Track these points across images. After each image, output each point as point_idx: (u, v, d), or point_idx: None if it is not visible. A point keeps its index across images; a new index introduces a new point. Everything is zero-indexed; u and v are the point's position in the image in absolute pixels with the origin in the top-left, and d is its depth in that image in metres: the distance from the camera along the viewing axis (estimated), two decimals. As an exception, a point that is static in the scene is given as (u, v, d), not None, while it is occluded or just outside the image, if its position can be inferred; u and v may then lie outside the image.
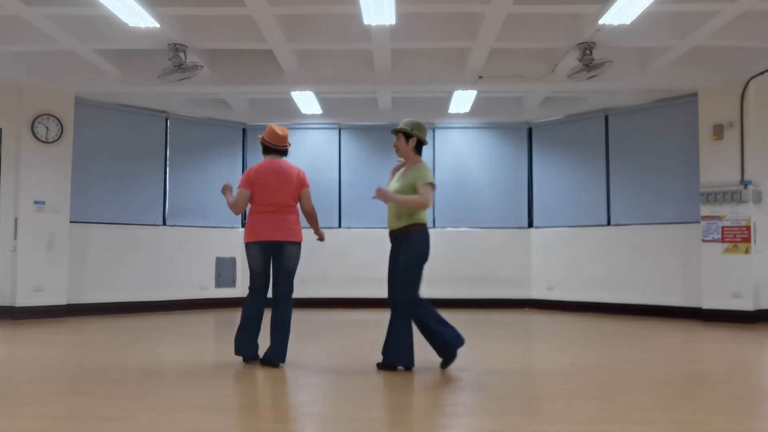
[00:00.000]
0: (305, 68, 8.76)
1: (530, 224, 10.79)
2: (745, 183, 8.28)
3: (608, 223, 9.88)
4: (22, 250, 8.57)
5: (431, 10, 7.16)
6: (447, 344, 4.88)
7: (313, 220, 5.36)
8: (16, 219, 8.59)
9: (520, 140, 10.92)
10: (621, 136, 9.80)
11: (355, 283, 10.47)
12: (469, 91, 9.28)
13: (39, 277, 8.64)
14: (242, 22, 7.34)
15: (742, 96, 8.39)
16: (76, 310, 8.92)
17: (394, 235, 4.94)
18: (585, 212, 10.13)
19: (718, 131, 8.49)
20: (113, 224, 9.61)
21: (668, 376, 4.81)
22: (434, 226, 10.76)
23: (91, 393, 4.18)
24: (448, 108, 10.24)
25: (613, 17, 6.73)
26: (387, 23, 6.93)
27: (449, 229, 10.84)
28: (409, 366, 4.87)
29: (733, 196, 8.29)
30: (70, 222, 8.98)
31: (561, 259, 10.31)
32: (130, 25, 6.96)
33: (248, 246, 5.19)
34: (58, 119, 8.85)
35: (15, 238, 8.59)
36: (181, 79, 7.98)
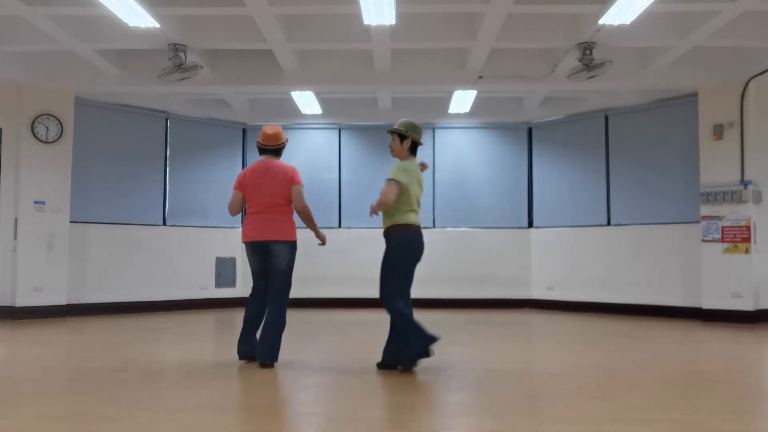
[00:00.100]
0: (305, 68, 8.76)
1: (530, 224, 10.79)
2: (745, 183, 8.28)
3: (608, 223, 9.88)
4: (22, 250, 8.58)
5: (431, 10, 7.16)
6: (391, 353, 4.90)
7: (308, 220, 5.21)
8: (16, 219, 8.60)
9: (520, 140, 10.92)
10: (621, 136, 9.80)
11: (355, 283, 10.46)
12: (469, 91, 9.28)
13: (39, 277, 8.64)
14: (242, 22, 7.34)
15: (742, 96, 8.39)
16: (76, 310, 8.93)
17: (383, 235, 5.02)
18: (585, 212, 10.13)
19: (718, 131, 8.49)
20: (113, 224, 9.61)
21: (668, 376, 4.81)
22: (434, 226, 10.77)
23: (91, 393, 4.18)
24: (448, 108, 10.24)
25: (613, 17, 6.73)
26: (387, 23, 6.93)
27: (449, 229, 10.84)
28: (425, 351, 4.78)
29: (733, 196, 8.28)
30: (70, 222, 8.98)
31: (561, 259, 10.31)
32: (130, 25, 6.96)
33: (244, 246, 5.26)
34: (58, 119, 8.85)
35: (15, 238, 8.59)
36: (181, 79, 7.98)
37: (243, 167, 10.78)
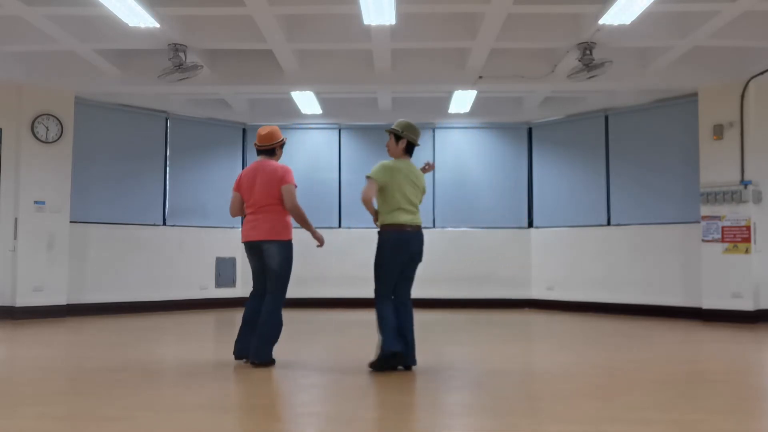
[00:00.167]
0: (305, 68, 8.76)
1: (530, 224, 10.79)
2: (745, 183, 8.28)
3: (608, 223, 9.88)
4: (22, 250, 8.58)
5: (431, 10, 7.16)
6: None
7: (301, 220, 5.13)
8: (16, 219, 8.60)
9: (520, 140, 10.91)
10: (621, 136, 9.80)
11: (355, 283, 10.42)
12: (469, 91, 9.28)
13: (39, 277, 8.64)
14: (242, 22, 7.34)
15: (742, 96, 8.38)
16: (76, 310, 8.93)
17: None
18: (585, 212, 10.13)
19: (718, 131, 8.49)
20: (113, 224, 9.61)
21: (668, 376, 4.81)
22: (434, 226, 10.77)
23: (91, 393, 4.18)
24: (448, 108, 10.24)
25: (613, 17, 6.73)
26: (387, 23, 6.93)
27: (449, 229, 10.84)
28: (396, 351, 4.77)
29: (733, 196, 8.28)
30: (70, 222, 8.98)
31: (561, 259, 10.31)
32: (130, 25, 6.96)
33: (244, 247, 5.30)
34: (58, 119, 8.85)
35: (15, 238, 8.59)
36: (181, 79, 7.98)
37: (243, 167, 10.78)
